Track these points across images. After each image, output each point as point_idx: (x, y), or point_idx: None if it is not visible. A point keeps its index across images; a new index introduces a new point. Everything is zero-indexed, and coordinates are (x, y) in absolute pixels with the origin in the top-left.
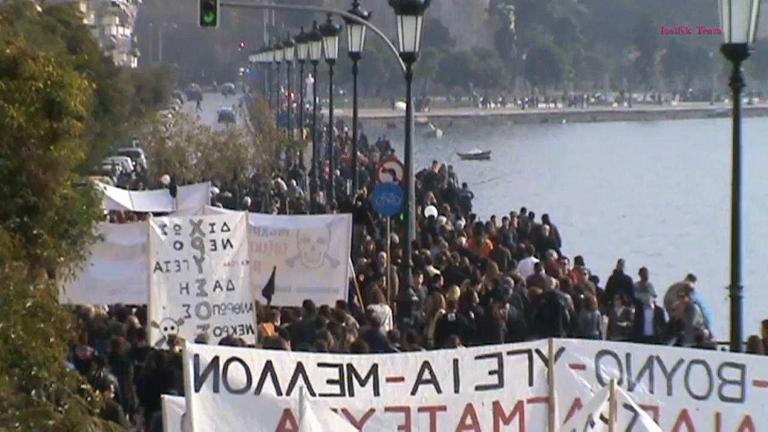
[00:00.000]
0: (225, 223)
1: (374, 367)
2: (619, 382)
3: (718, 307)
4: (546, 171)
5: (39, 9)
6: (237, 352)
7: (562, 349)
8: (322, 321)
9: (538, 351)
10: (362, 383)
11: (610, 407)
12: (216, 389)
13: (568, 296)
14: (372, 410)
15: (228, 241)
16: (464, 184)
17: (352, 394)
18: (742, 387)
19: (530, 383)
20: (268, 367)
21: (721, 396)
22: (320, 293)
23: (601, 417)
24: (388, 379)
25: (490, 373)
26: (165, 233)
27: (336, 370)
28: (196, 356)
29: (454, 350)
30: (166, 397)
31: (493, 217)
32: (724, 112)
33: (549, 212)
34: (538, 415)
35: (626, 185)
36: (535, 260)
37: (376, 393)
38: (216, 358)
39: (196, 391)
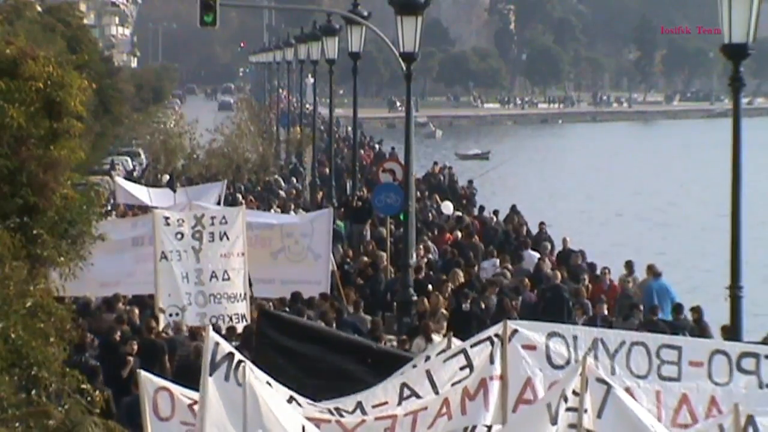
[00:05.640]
0: (224, 216)
1: (359, 404)
2: (567, 362)
3: (718, 307)
4: (545, 170)
5: (39, 9)
6: (248, 363)
7: (515, 331)
8: (302, 311)
9: (497, 335)
10: (351, 414)
11: (581, 382)
12: (227, 378)
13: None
14: (363, 421)
15: (225, 233)
16: (470, 181)
17: (342, 417)
18: (678, 367)
19: (491, 362)
20: (268, 383)
21: (659, 375)
22: (303, 285)
23: (574, 392)
24: (373, 406)
25: (462, 368)
26: (168, 224)
27: (325, 408)
28: (216, 344)
29: (424, 364)
30: (142, 372)
31: (463, 213)
32: (724, 112)
33: (546, 210)
34: (496, 390)
35: (624, 184)
36: (536, 254)
37: (364, 414)
38: (231, 354)
39: (210, 375)
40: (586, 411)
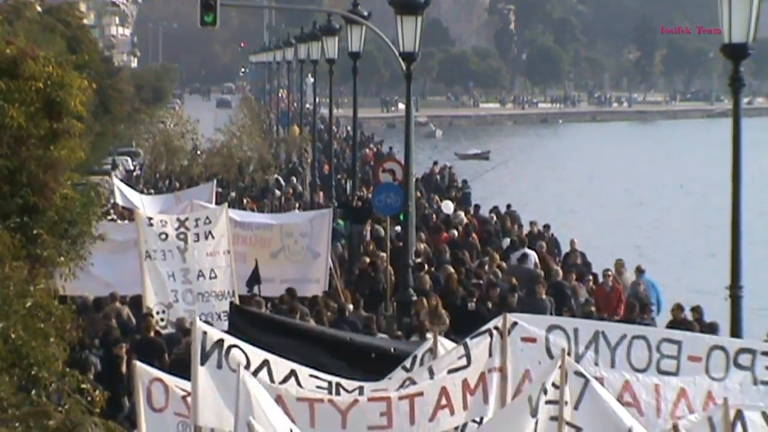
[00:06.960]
0: (207, 217)
1: (360, 387)
2: (567, 355)
3: (717, 306)
4: (545, 170)
5: (39, 9)
6: (240, 343)
7: (515, 324)
8: (295, 308)
9: (496, 327)
10: (349, 393)
11: (560, 375)
12: (219, 366)
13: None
14: (356, 401)
15: (210, 232)
16: (464, 181)
17: (338, 394)
18: (677, 361)
19: (490, 355)
20: (265, 363)
21: (658, 369)
22: (302, 283)
23: (553, 384)
24: (372, 391)
25: (459, 358)
26: (151, 224)
27: (325, 383)
28: (204, 333)
29: (431, 362)
30: (137, 363)
31: (455, 211)
32: (724, 112)
33: (545, 209)
34: (495, 383)
35: (624, 184)
36: (532, 252)
37: (361, 394)
38: (221, 341)
39: (202, 365)
40: (566, 403)
